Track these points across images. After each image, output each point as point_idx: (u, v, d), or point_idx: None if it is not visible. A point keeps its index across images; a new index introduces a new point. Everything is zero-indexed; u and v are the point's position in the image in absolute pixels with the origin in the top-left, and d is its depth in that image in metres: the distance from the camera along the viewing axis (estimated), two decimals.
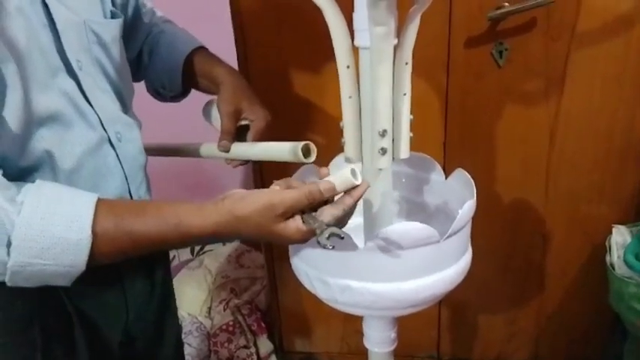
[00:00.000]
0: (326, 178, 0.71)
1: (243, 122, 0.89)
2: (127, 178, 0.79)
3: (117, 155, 0.77)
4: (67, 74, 0.69)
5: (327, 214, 0.68)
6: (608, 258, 1.21)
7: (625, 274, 1.14)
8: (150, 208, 0.67)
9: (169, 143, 1.03)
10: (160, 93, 0.99)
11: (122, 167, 0.78)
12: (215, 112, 0.90)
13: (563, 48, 1.15)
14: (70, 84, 0.70)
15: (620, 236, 1.23)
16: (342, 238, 0.66)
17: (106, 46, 0.77)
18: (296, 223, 0.67)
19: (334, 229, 0.66)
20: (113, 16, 0.81)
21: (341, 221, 0.69)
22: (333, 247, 0.66)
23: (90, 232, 0.61)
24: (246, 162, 0.92)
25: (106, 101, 0.76)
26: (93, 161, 0.73)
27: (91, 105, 0.73)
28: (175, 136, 1.03)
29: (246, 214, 0.65)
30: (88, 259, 0.62)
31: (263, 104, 0.90)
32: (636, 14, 1.11)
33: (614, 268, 1.18)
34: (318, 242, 0.66)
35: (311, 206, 0.68)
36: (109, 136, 0.75)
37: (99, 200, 0.63)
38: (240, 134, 0.90)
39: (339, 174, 0.70)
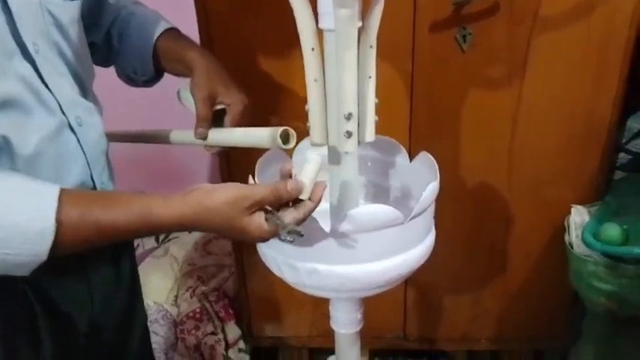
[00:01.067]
0: (295, 177, 0.72)
1: (219, 106, 0.87)
2: (89, 164, 0.77)
3: (78, 140, 0.75)
4: (22, 58, 0.67)
5: (289, 217, 0.69)
6: (567, 237, 1.25)
7: (583, 253, 1.18)
8: (117, 198, 0.67)
9: (138, 130, 1.01)
10: (131, 78, 0.96)
11: (84, 153, 0.76)
12: (190, 97, 0.87)
13: (526, 33, 1.17)
14: (27, 68, 0.68)
15: (578, 216, 1.26)
16: (302, 235, 0.67)
17: (63, 28, 0.74)
18: (259, 219, 0.67)
19: (295, 227, 0.67)
20: None
21: (300, 223, 0.71)
22: (293, 241, 0.67)
23: (54, 220, 0.60)
24: (225, 147, 0.91)
25: (64, 85, 0.74)
26: (54, 147, 0.71)
27: (49, 89, 0.71)
28: (147, 122, 1.01)
29: (215, 205, 0.66)
30: (52, 248, 0.61)
31: (240, 87, 0.88)
32: None
33: (572, 247, 1.21)
34: (279, 237, 0.68)
35: (277, 203, 0.69)
36: (69, 121, 0.74)
37: (63, 190, 0.63)
38: (217, 118, 0.88)
39: (304, 170, 0.71)
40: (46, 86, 0.70)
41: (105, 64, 0.97)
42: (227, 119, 0.87)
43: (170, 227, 0.67)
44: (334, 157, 0.83)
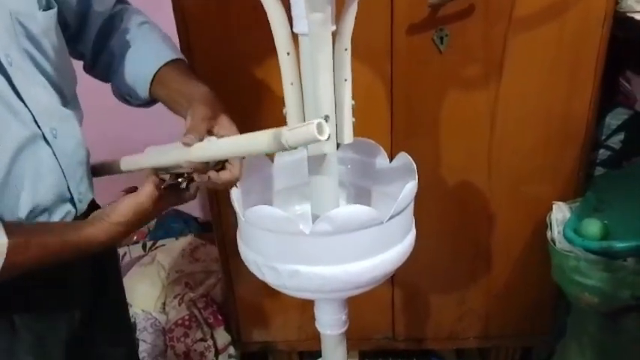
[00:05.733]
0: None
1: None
2: (65, 175, 0.77)
3: (53, 152, 0.75)
4: None
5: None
6: (549, 234, 1.26)
7: (565, 249, 1.19)
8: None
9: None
10: (126, 100, 0.94)
11: (59, 164, 0.76)
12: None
13: (501, 33, 1.19)
14: (0, 81, 0.68)
15: (560, 212, 1.28)
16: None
17: (34, 38, 0.73)
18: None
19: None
20: (49, 6, 0.78)
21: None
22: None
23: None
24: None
25: (40, 96, 0.74)
26: (27, 159, 0.71)
27: (22, 101, 0.70)
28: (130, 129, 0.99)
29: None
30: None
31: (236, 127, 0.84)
32: None
33: (554, 243, 1.23)
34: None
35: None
36: (43, 133, 0.73)
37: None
38: None
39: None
40: (20, 97, 0.70)
41: (104, 80, 0.95)
42: None
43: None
44: (313, 159, 0.84)
